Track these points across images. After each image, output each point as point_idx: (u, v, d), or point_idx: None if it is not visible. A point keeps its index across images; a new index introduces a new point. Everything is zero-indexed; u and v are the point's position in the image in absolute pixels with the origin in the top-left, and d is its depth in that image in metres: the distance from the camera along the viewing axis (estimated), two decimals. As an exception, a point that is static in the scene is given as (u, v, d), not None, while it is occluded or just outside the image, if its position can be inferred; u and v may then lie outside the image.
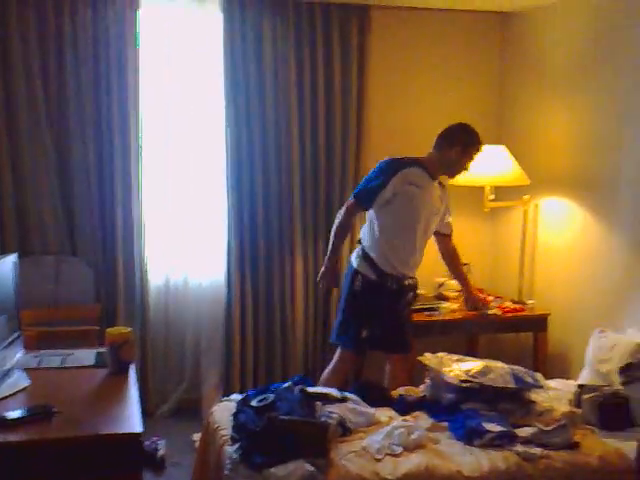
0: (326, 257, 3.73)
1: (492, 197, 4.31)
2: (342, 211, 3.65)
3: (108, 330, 2.65)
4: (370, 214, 3.62)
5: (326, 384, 3.51)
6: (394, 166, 3.54)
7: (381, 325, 3.60)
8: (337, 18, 4.36)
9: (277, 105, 4.33)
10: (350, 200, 3.65)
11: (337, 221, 3.65)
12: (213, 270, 4.39)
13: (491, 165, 4.15)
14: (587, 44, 4.02)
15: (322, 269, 3.73)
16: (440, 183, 3.73)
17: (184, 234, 4.38)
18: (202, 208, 4.39)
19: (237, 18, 4.21)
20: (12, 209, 4.00)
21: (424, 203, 3.57)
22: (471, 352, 4.47)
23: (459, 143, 3.59)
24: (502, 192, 4.41)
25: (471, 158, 3.64)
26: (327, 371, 3.74)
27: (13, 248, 3.95)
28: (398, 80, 4.63)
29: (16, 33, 3.90)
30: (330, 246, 3.67)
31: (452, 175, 3.73)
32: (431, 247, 4.67)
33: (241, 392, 4.08)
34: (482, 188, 4.30)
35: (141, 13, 4.10)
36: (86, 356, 2.78)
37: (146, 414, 4.18)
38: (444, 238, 3.90)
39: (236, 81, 4.24)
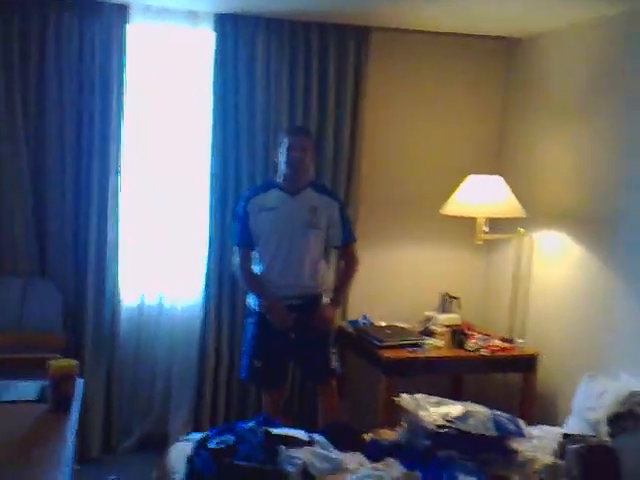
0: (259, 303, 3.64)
1: (486, 229, 4.11)
2: (237, 261, 3.66)
3: (51, 362, 2.45)
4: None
5: None
6: (243, 199, 3.63)
7: (278, 357, 3.63)
8: (334, 39, 4.19)
9: (267, 127, 4.15)
10: (236, 249, 3.68)
11: (239, 272, 3.66)
12: (189, 294, 4.21)
13: (486, 196, 3.97)
14: (591, 75, 3.84)
15: (270, 314, 3.60)
16: (322, 192, 3.62)
17: (161, 254, 4.20)
18: (183, 229, 4.22)
19: (230, 37, 4.06)
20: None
21: (282, 222, 3.53)
22: (456, 393, 4.27)
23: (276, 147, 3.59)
24: (496, 224, 4.21)
25: (285, 149, 3.51)
26: None
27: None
28: (395, 105, 4.46)
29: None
30: (253, 293, 3.64)
31: (292, 172, 3.54)
32: (411, 277, 4.50)
33: (212, 428, 3.91)
34: (475, 220, 4.09)
35: (130, 28, 3.96)
36: (29, 389, 2.57)
37: (109, 448, 4.04)
38: (340, 251, 3.77)
39: (225, 102, 4.09)
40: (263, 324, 3.61)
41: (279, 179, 3.60)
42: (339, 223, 3.61)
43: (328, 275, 3.80)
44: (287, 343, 3.60)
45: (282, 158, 3.53)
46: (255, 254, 3.64)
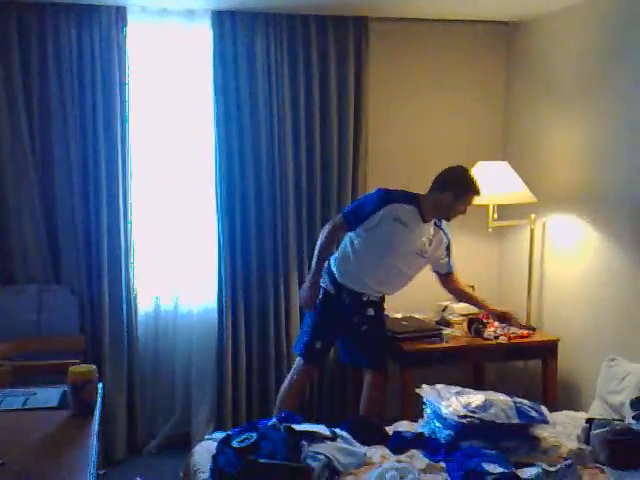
0: (310, 276, 3.65)
1: (495, 216, 4.08)
2: (328, 228, 3.62)
3: (70, 369, 2.46)
4: (350, 232, 3.63)
5: (283, 396, 3.72)
6: (387, 198, 3.54)
7: (337, 338, 3.76)
8: (333, 30, 4.17)
9: (270, 123, 4.14)
10: (339, 219, 3.62)
11: (323, 238, 3.61)
12: (205, 295, 4.21)
13: (494, 183, 3.94)
14: (595, 55, 3.80)
15: (306, 289, 3.65)
16: (439, 227, 3.66)
17: (174, 258, 4.20)
18: (193, 231, 4.21)
19: (228, 33, 4.04)
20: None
21: (404, 242, 3.54)
22: (478, 382, 4.25)
23: (451, 189, 3.51)
24: (507, 211, 4.19)
25: (465, 203, 3.55)
26: (284, 384, 3.77)
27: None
28: (397, 94, 4.44)
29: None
30: (315, 264, 3.61)
31: (446, 218, 3.65)
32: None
33: (234, 426, 3.92)
34: (485, 207, 4.07)
35: (129, 29, 3.94)
36: (50, 396, 2.58)
37: (134, 450, 4.06)
38: (443, 277, 3.84)
39: (227, 99, 4.07)
40: (328, 304, 3.65)
41: (426, 204, 3.55)
42: (446, 256, 3.74)
43: None
44: (349, 327, 3.70)
45: (454, 203, 3.51)
46: (363, 247, 3.58)
